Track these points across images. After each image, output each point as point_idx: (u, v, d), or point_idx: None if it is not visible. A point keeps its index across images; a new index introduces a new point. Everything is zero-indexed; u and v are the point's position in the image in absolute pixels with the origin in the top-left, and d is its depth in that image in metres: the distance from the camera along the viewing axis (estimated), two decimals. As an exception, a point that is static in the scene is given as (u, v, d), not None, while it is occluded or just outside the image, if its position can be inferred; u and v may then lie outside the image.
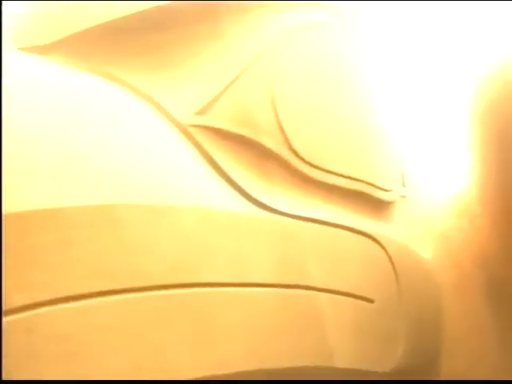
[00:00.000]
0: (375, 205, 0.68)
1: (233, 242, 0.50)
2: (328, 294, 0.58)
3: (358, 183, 0.65)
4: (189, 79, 0.57)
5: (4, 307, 0.39)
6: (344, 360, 0.59)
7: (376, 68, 0.71)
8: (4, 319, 0.39)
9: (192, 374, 0.45)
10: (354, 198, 0.66)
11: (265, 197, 0.57)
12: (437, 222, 0.80)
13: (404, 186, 0.77)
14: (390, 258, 0.67)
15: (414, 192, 0.78)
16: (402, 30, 0.75)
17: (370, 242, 0.64)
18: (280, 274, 0.54)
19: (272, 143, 0.59)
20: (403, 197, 0.76)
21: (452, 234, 0.80)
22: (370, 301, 0.63)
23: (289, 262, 0.55)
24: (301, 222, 0.57)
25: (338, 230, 0.61)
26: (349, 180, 0.64)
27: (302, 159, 0.60)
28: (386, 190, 0.69)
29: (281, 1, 0.64)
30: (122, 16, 0.55)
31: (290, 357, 0.54)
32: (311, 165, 0.61)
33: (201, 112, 0.56)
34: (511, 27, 0.67)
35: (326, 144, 0.63)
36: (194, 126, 0.55)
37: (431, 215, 0.80)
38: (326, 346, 0.57)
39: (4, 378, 0.41)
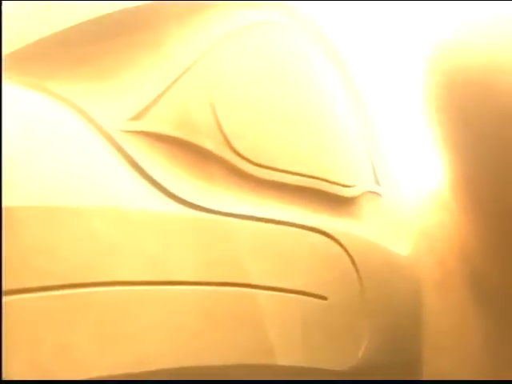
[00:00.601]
0: (336, 201, 0.68)
1: (152, 241, 0.51)
2: (269, 292, 0.58)
3: (311, 180, 0.65)
4: (126, 86, 0.58)
5: None
6: (289, 358, 0.59)
7: (328, 64, 0.71)
8: None
9: (99, 373, 0.46)
10: (309, 195, 0.66)
11: (204, 198, 0.57)
12: (415, 218, 0.79)
13: (378, 183, 0.76)
14: (349, 254, 0.66)
15: (390, 189, 0.78)
16: (351, 22, 0.75)
17: (325, 238, 0.64)
18: (211, 272, 0.54)
19: (211, 144, 0.59)
20: (377, 194, 0.75)
21: (432, 231, 0.78)
22: (323, 298, 0.63)
23: (223, 260, 0.55)
24: (238, 221, 0.58)
25: (284, 227, 0.61)
26: (299, 177, 0.64)
27: (245, 158, 0.61)
28: (346, 186, 0.69)
29: (231, 1, 0.65)
30: (59, 30, 0.57)
31: (221, 354, 0.54)
32: (254, 163, 0.61)
33: (136, 117, 0.57)
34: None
35: (271, 143, 0.63)
36: (128, 131, 0.56)
37: (409, 212, 0.79)
38: (266, 344, 0.57)
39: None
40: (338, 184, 0.68)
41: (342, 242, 0.65)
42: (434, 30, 0.66)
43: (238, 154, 0.60)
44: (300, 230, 0.62)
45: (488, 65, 0.63)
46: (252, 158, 0.61)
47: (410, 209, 0.79)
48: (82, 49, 0.58)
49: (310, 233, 0.63)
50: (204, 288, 0.54)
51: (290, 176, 0.63)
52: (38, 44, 0.56)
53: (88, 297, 0.47)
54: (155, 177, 0.55)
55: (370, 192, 0.73)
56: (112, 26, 0.59)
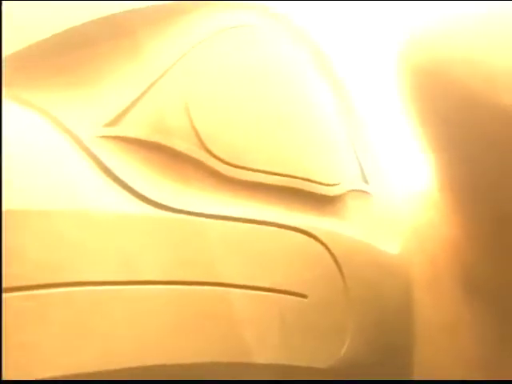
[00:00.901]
0: (318, 200, 0.68)
1: (121, 241, 0.53)
2: (244, 290, 0.59)
3: (290, 179, 0.66)
4: (102, 93, 0.60)
5: None
6: (266, 356, 0.60)
7: (310, 64, 0.71)
8: None
9: (65, 371, 0.48)
10: (289, 195, 0.66)
11: (179, 199, 0.59)
12: (406, 217, 0.79)
13: (367, 182, 0.76)
14: (331, 252, 0.66)
15: (380, 188, 0.77)
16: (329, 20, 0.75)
17: (305, 237, 0.64)
18: (182, 271, 0.55)
19: (186, 147, 0.61)
20: (366, 193, 0.75)
21: (423, 229, 0.78)
22: (303, 296, 0.63)
23: (195, 259, 0.56)
24: (210, 221, 0.59)
25: (261, 226, 0.62)
26: (277, 177, 0.65)
27: (220, 159, 0.62)
28: (328, 185, 0.69)
29: (212, 0, 0.66)
30: (34, 42, 0.59)
31: (194, 352, 0.55)
32: (230, 164, 0.62)
33: (112, 123, 0.59)
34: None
35: (246, 144, 0.63)
36: (104, 136, 0.58)
37: (399, 210, 0.79)
38: (242, 342, 0.58)
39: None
40: (319, 183, 0.68)
41: (323, 240, 0.66)
42: (406, 24, 0.67)
43: (213, 156, 0.61)
44: (278, 229, 0.63)
45: (462, 61, 0.63)
46: (227, 159, 0.62)
47: (401, 207, 0.79)
48: (58, 59, 0.59)
49: (288, 232, 0.63)
50: (175, 287, 0.55)
51: (266, 176, 0.64)
52: (14, 56, 0.58)
53: (56, 297, 0.49)
54: (126, 180, 0.56)
55: (357, 191, 0.74)
56: (87, 35, 0.61)
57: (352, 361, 0.66)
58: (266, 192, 0.64)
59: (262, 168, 0.64)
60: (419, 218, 0.78)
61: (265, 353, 0.59)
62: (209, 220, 0.59)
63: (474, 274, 0.75)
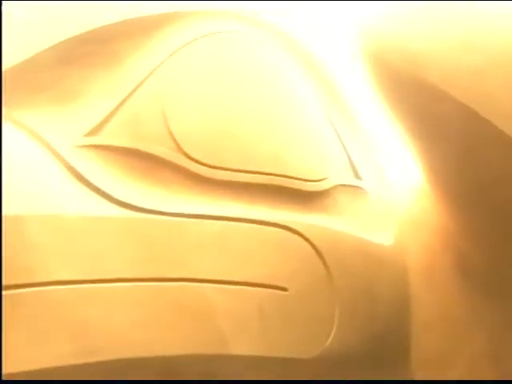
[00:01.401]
0: (300, 196, 0.70)
1: (92, 242, 0.56)
2: (218, 285, 0.62)
3: (268, 177, 0.67)
4: (81, 107, 0.64)
5: None
6: (245, 347, 0.62)
7: (293, 63, 0.73)
8: None
9: (32, 366, 0.52)
10: (269, 192, 0.68)
11: (157, 202, 0.62)
12: (400, 207, 0.79)
13: (358, 177, 0.77)
14: (312, 245, 0.67)
15: (372, 182, 0.78)
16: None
17: (283, 231, 0.66)
18: (154, 268, 0.59)
19: (163, 151, 0.64)
20: (356, 187, 0.76)
21: (417, 218, 0.79)
22: (282, 289, 0.65)
23: (167, 257, 0.60)
24: (184, 220, 0.62)
25: (237, 223, 0.64)
26: (255, 175, 0.67)
27: (196, 161, 0.64)
28: (310, 181, 0.70)
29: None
30: (18, 62, 0.63)
31: (168, 345, 0.58)
32: (206, 165, 0.65)
33: (91, 133, 0.63)
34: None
35: (223, 144, 0.66)
36: (84, 146, 0.62)
37: (393, 203, 0.79)
38: (218, 334, 0.61)
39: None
40: (301, 179, 0.69)
41: (304, 233, 0.67)
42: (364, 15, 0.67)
43: (190, 158, 0.64)
44: (256, 225, 0.65)
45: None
46: (203, 161, 0.65)
47: (394, 200, 0.79)
48: (37, 76, 0.64)
49: (267, 227, 0.66)
50: (148, 284, 0.58)
51: (244, 174, 0.66)
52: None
53: (25, 296, 0.53)
54: (102, 186, 0.60)
55: (347, 186, 0.74)
56: (66, 52, 0.65)
57: (339, 351, 0.67)
58: (245, 191, 0.67)
59: (239, 167, 0.66)
60: (413, 208, 0.79)
61: (243, 344, 0.62)
62: (184, 219, 0.62)
63: (470, 262, 0.74)
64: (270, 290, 0.64)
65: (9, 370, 0.51)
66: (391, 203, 0.79)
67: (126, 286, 0.57)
